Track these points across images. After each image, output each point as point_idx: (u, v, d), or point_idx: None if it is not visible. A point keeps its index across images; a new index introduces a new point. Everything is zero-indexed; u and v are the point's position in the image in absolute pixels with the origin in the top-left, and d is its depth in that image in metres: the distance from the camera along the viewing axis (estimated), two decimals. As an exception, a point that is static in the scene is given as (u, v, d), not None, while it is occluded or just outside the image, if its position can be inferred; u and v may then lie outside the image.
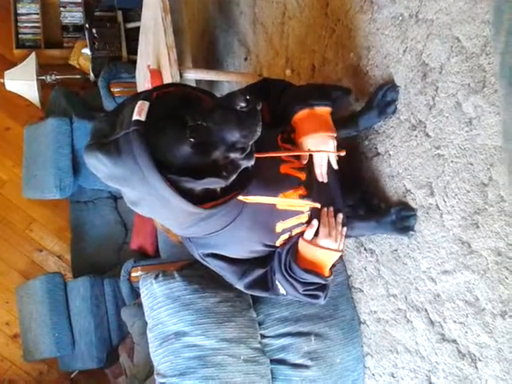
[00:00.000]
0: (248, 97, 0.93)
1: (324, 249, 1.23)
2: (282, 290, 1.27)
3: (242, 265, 1.24)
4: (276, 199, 1.17)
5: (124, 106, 0.96)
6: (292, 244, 1.24)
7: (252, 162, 1.03)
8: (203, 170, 0.95)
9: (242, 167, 1.02)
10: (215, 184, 0.99)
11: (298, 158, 1.23)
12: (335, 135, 1.25)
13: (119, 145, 0.89)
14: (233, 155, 0.97)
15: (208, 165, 0.96)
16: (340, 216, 1.28)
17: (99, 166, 0.95)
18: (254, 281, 1.26)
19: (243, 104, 0.93)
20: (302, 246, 1.23)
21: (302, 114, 1.23)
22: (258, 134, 0.97)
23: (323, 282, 1.25)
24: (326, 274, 1.25)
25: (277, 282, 1.26)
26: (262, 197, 1.14)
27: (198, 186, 0.96)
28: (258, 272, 1.25)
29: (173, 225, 1.10)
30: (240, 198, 1.09)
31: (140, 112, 0.89)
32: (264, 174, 1.12)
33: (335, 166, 1.29)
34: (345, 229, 1.29)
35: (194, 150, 0.92)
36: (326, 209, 1.27)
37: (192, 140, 0.91)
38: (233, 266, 1.24)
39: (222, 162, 0.98)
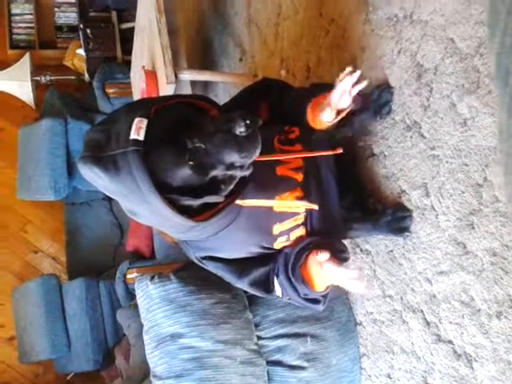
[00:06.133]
0: (248, 121, 0.93)
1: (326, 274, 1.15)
2: (278, 292, 1.25)
3: (240, 263, 1.23)
4: (273, 202, 1.16)
5: (120, 115, 0.95)
6: (302, 249, 1.19)
7: (249, 172, 1.03)
8: (202, 188, 0.97)
9: (239, 177, 1.03)
10: (214, 199, 1.01)
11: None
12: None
13: (117, 162, 0.89)
14: (231, 172, 0.99)
15: (206, 182, 0.97)
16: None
17: (95, 178, 0.94)
18: (255, 280, 1.24)
19: (243, 129, 0.93)
20: (311, 260, 1.16)
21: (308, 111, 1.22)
22: (257, 153, 0.98)
23: (314, 296, 1.21)
24: (318, 289, 1.18)
25: (276, 283, 1.24)
26: (258, 200, 1.14)
27: (197, 202, 0.98)
28: (260, 271, 1.23)
29: (170, 231, 1.10)
30: (237, 201, 1.08)
31: (138, 130, 0.89)
32: (260, 177, 1.11)
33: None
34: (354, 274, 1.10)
35: (193, 172, 0.93)
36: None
37: (191, 163, 0.92)
38: (230, 266, 1.23)
39: (221, 177, 0.99)
